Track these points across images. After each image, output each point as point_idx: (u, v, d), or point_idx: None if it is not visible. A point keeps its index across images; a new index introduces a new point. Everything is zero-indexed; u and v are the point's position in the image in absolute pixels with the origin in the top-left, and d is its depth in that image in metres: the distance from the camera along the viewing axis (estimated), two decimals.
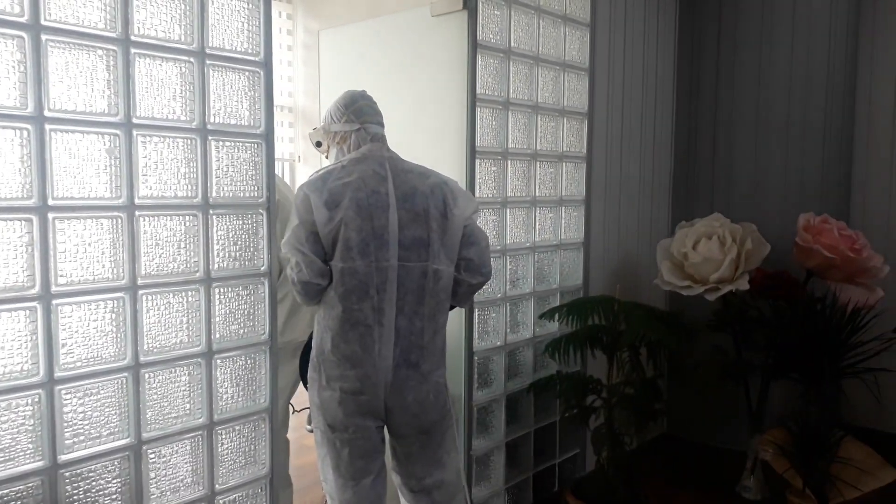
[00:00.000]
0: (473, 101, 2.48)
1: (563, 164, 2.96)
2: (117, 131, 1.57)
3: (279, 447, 2.03)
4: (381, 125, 2.05)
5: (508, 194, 2.69)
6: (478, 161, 2.53)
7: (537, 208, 2.84)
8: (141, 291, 1.63)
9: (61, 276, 1.49)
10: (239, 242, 1.83)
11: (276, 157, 1.92)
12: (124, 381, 1.61)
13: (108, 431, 1.60)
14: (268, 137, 1.86)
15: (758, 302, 2.88)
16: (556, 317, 2.58)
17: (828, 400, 2.76)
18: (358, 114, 2.00)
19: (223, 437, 1.82)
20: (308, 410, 2.02)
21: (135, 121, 1.60)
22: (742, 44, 3.44)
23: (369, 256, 1.79)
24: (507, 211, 2.69)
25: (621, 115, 3.28)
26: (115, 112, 1.57)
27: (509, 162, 2.68)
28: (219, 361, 1.80)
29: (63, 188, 1.49)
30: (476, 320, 2.58)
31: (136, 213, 1.61)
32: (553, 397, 2.76)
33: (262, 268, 1.88)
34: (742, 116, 3.46)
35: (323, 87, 3.00)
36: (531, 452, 2.88)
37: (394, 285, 1.82)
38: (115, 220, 1.58)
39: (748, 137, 3.44)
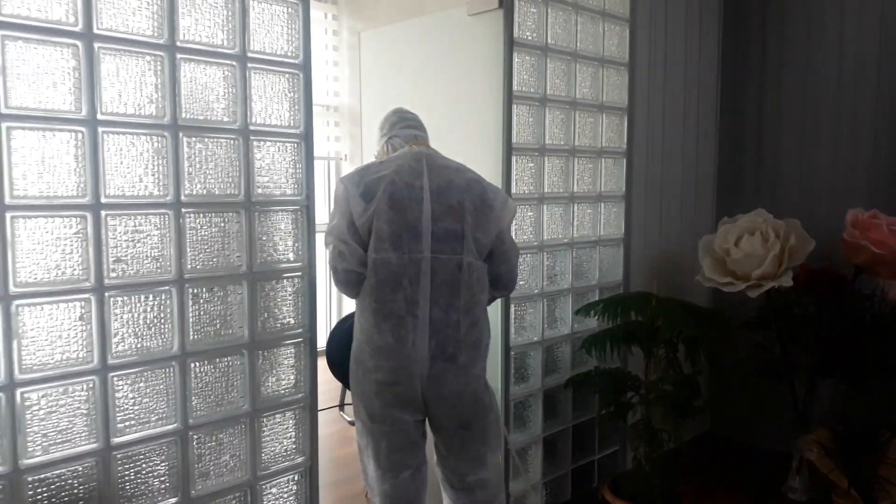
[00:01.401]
0: (510, 98, 2.50)
1: (602, 159, 2.95)
2: (165, 133, 1.66)
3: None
4: (415, 128, 2.12)
5: (546, 190, 2.70)
6: (514, 157, 2.55)
7: (575, 204, 2.84)
8: (187, 285, 1.71)
9: (112, 271, 1.59)
10: (279, 239, 1.90)
11: (322, 155, 2.00)
12: (171, 371, 1.70)
13: (156, 417, 1.69)
14: (307, 137, 1.93)
15: (803, 299, 2.82)
16: (593, 313, 2.58)
17: (875, 399, 2.68)
18: (388, 127, 2.14)
19: (265, 424, 1.90)
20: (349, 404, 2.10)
21: (180, 122, 1.68)
22: (789, 37, 3.36)
23: (402, 248, 1.84)
24: (545, 207, 2.70)
25: (663, 109, 3.25)
26: (162, 114, 1.65)
27: (546, 158, 2.69)
28: (261, 353, 1.87)
29: (114, 186, 1.58)
30: (512, 316, 2.61)
31: (183, 210, 1.69)
32: (590, 393, 2.76)
33: (301, 263, 1.94)
34: (789, 111, 3.39)
35: (364, 87, 3.06)
36: (569, 448, 2.89)
37: (427, 277, 1.86)
38: (162, 217, 1.67)
39: (795, 132, 3.37)
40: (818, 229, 2.86)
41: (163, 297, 1.68)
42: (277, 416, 1.92)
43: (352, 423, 2.03)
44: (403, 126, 2.11)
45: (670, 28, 3.27)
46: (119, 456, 1.62)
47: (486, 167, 2.53)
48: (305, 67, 1.91)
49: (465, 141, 2.59)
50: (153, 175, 1.65)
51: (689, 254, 3.35)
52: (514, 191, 2.55)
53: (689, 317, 2.38)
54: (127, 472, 1.65)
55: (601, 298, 2.77)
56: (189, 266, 1.72)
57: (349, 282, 1.89)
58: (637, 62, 3.06)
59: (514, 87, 2.52)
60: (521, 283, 2.63)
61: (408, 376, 1.86)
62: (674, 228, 3.39)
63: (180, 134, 1.68)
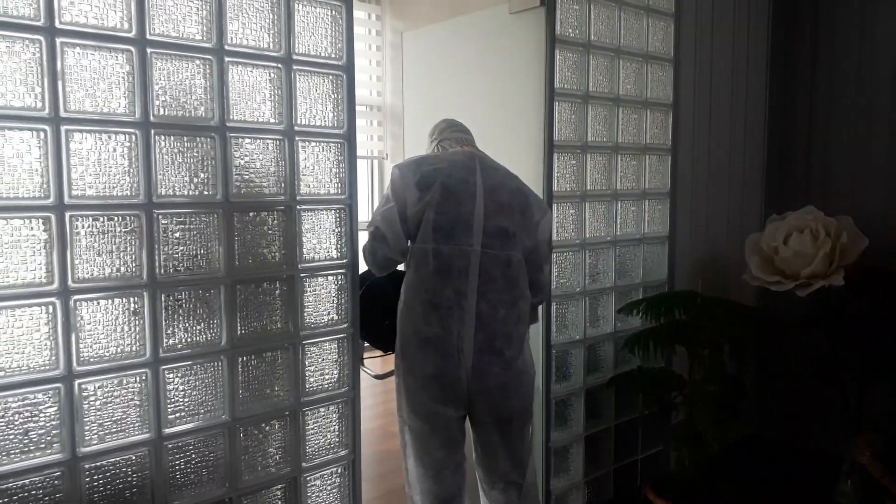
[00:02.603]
0: (552, 95, 2.49)
1: (647, 156, 2.92)
2: (213, 134, 1.71)
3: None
4: (465, 133, 2.16)
5: (588, 188, 2.69)
6: (556, 155, 2.54)
7: (619, 202, 2.82)
8: (238, 286, 1.76)
9: (163, 268, 1.65)
10: (324, 237, 1.94)
11: (364, 154, 2.04)
12: (219, 364, 1.76)
13: (205, 409, 1.74)
14: (350, 137, 1.96)
15: (855, 298, 2.74)
16: (636, 312, 2.56)
17: None
18: (438, 133, 2.19)
19: (309, 417, 1.94)
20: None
21: (229, 124, 1.73)
22: (841, 29, 3.26)
23: (454, 240, 1.87)
24: (587, 204, 2.69)
25: (709, 105, 3.19)
26: (210, 116, 1.70)
27: (589, 155, 2.68)
28: (306, 347, 1.91)
29: (165, 187, 1.64)
30: (554, 314, 2.60)
31: (231, 209, 1.74)
32: (633, 393, 2.73)
33: (346, 260, 1.98)
34: (841, 105, 3.29)
35: (407, 87, 3.09)
36: (612, 447, 2.87)
37: (476, 271, 1.88)
38: (211, 216, 1.72)
39: (848, 127, 3.27)
40: (871, 227, 2.77)
41: (212, 294, 1.73)
42: (321, 409, 1.96)
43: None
44: (454, 131, 2.15)
45: (717, 23, 3.21)
46: (170, 446, 1.68)
47: (528, 165, 2.53)
48: (349, 69, 1.94)
49: (507, 138, 2.60)
50: (203, 174, 1.70)
51: (736, 252, 3.29)
52: (555, 188, 2.55)
53: (734, 316, 2.34)
54: (177, 462, 1.70)
55: (644, 297, 2.75)
56: (237, 264, 1.77)
57: (383, 267, 1.94)
58: (682, 58, 3.01)
59: (556, 85, 2.51)
60: (562, 280, 2.63)
61: (453, 368, 1.88)
62: (720, 227, 3.32)
63: (228, 135, 1.73)
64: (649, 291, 2.95)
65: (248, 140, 1.77)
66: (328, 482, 2.00)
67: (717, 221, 3.31)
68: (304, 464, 1.93)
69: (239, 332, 1.78)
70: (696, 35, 3.10)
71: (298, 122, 1.86)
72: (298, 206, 1.87)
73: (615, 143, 2.77)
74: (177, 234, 1.67)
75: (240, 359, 1.79)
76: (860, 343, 2.71)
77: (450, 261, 1.87)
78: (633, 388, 2.62)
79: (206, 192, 1.71)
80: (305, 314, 1.91)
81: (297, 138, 1.85)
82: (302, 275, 1.89)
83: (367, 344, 2.24)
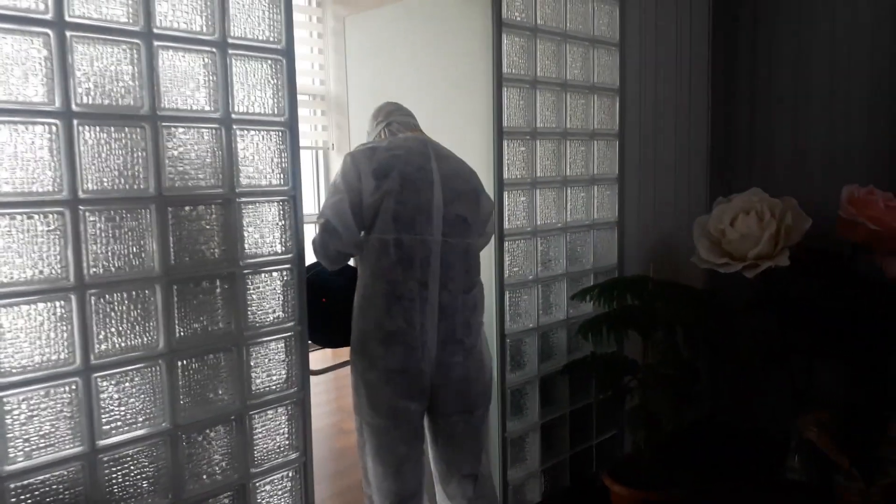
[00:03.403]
0: (500, 80, 2.44)
1: (595, 142, 2.91)
2: (144, 124, 1.59)
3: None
4: (412, 117, 2.09)
5: (538, 174, 2.65)
6: (506, 142, 2.50)
7: (568, 188, 2.80)
8: (176, 285, 1.66)
9: (93, 268, 1.53)
10: (266, 231, 1.84)
11: (308, 145, 1.95)
12: (157, 370, 1.65)
13: (143, 417, 1.63)
14: (292, 125, 1.87)
15: (801, 279, 2.78)
16: (588, 298, 2.54)
17: (876, 379, 2.66)
18: (385, 115, 2.10)
19: (256, 421, 1.85)
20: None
21: (160, 112, 1.62)
22: (781, 12, 3.31)
23: (415, 230, 1.81)
24: (537, 191, 2.66)
25: (654, 90, 3.19)
26: (140, 105, 1.59)
27: (538, 142, 2.64)
28: (251, 348, 1.82)
29: (92, 181, 1.52)
30: (507, 303, 2.57)
31: (164, 204, 1.63)
32: (587, 379, 2.73)
33: (291, 255, 1.89)
34: (781, 89, 3.34)
35: (350, 74, 2.99)
36: (567, 434, 2.86)
37: (437, 260, 1.83)
38: (144, 212, 1.61)
39: (788, 110, 3.32)
40: (814, 208, 2.82)
41: (147, 294, 1.62)
42: (269, 412, 1.87)
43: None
44: (401, 115, 2.08)
45: (660, 7, 3.21)
46: (106, 459, 1.57)
47: (478, 152, 2.48)
48: (288, 53, 1.85)
49: (456, 126, 2.54)
50: (133, 167, 1.59)
51: (685, 236, 3.31)
52: (505, 175, 2.51)
53: (686, 300, 2.34)
54: (115, 475, 1.60)
55: (596, 283, 2.73)
56: (173, 262, 1.66)
57: (334, 260, 1.87)
58: (627, 42, 3.00)
59: (504, 70, 2.46)
60: (514, 269, 2.59)
61: (417, 361, 1.83)
62: (668, 210, 3.33)
63: (159, 124, 1.62)
64: (600, 277, 2.95)
65: (181, 129, 1.66)
66: (279, 487, 1.91)
67: (665, 205, 3.32)
68: (252, 469, 1.84)
69: (178, 335, 1.68)
70: (641, 19, 3.09)
71: (236, 109, 1.76)
72: (238, 199, 1.77)
73: (564, 129, 2.75)
74: (106, 232, 1.55)
75: (179, 363, 1.69)
76: (806, 324, 2.76)
77: (411, 251, 1.81)
78: (588, 373, 2.61)
79: (136, 186, 1.60)
80: (249, 313, 1.81)
81: (234, 127, 1.75)
82: (244, 271, 1.79)
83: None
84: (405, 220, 1.81)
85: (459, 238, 1.87)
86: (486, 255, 2.48)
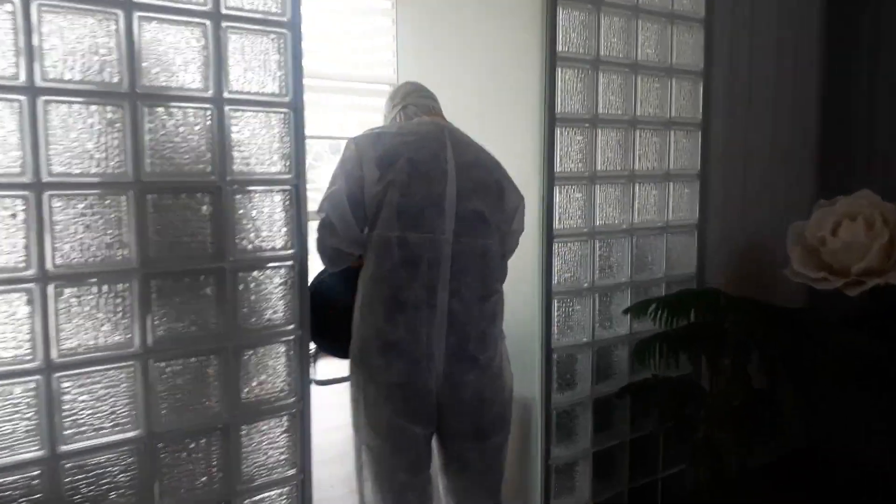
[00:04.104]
0: (553, 59, 2.15)
1: (672, 132, 2.54)
2: (122, 102, 1.45)
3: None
4: (432, 99, 1.84)
5: (598, 168, 2.33)
6: (558, 129, 2.20)
7: (637, 184, 2.46)
8: (155, 280, 1.51)
9: (58, 257, 1.40)
10: (263, 224, 1.66)
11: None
12: (132, 371, 1.51)
13: (112, 423, 1.50)
14: (296, 107, 1.68)
15: None
16: (647, 312, 2.20)
17: None
18: (402, 96, 1.86)
19: (246, 433, 1.68)
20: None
21: (140, 90, 1.47)
22: None
23: (423, 227, 1.58)
24: (597, 187, 2.34)
25: (749, 72, 2.77)
26: (117, 81, 1.44)
27: (600, 130, 2.32)
28: (243, 352, 1.65)
29: (59, 163, 1.39)
30: (555, 313, 2.27)
31: (143, 191, 1.48)
32: (648, 405, 2.38)
33: (292, 251, 1.70)
34: None
35: (401, 58, 2.78)
36: (626, 465, 2.53)
37: (447, 263, 1.59)
38: (118, 198, 1.47)
39: None
40: None
41: (121, 289, 1.48)
42: (262, 423, 1.70)
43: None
44: (419, 96, 1.84)
45: None
46: (69, 466, 1.45)
47: (524, 141, 2.21)
48: (294, 26, 1.66)
49: (503, 111, 2.27)
50: (109, 149, 1.45)
51: (781, 244, 2.87)
52: (558, 168, 2.21)
53: (765, 319, 1.96)
54: (79, 484, 1.47)
55: (658, 296, 2.37)
56: (153, 255, 1.51)
57: (334, 260, 1.67)
58: (717, 17, 2.60)
59: (560, 48, 2.17)
60: (566, 274, 2.29)
61: (422, 376, 1.60)
62: (762, 213, 2.90)
63: (139, 104, 1.47)
64: (674, 288, 2.58)
65: (163, 109, 1.50)
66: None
67: (758, 207, 2.89)
68: (238, 486, 1.67)
69: (156, 334, 1.53)
70: None
71: (230, 88, 1.58)
72: (230, 188, 1.60)
73: (633, 116, 2.41)
74: (76, 219, 1.42)
75: (157, 364, 1.54)
76: None
77: (418, 251, 1.58)
78: (648, 399, 2.27)
79: (112, 171, 1.45)
80: (241, 314, 1.64)
81: (227, 107, 1.58)
82: (235, 268, 1.62)
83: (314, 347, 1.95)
84: (411, 216, 1.57)
85: (475, 238, 1.61)
86: (530, 258, 2.21)
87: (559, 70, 2.18)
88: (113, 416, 1.49)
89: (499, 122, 2.24)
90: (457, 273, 1.59)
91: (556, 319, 2.28)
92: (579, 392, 2.37)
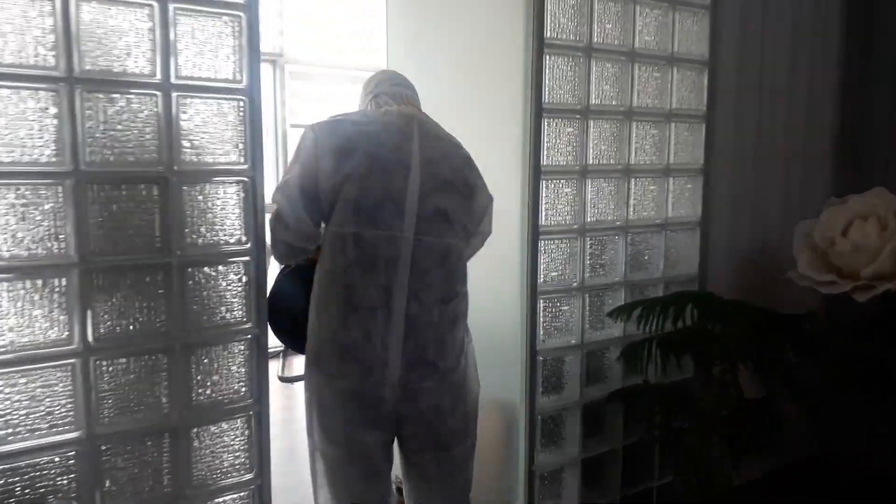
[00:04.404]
0: (540, 46, 2.03)
1: (672, 124, 2.40)
2: (57, 86, 1.37)
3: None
4: (406, 88, 1.73)
5: (590, 161, 2.21)
6: (546, 120, 2.08)
7: (633, 179, 2.32)
8: (97, 274, 1.44)
9: None
10: (216, 217, 1.58)
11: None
12: (70, 370, 1.44)
13: (47, 424, 1.43)
14: (252, 94, 1.59)
15: None
16: (633, 316, 2.07)
17: None
18: (374, 84, 1.75)
19: (197, 435, 1.61)
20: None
21: (78, 74, 1.39)
22: None
23: (380, 224, 1.47)
24: (588, 182, 2.21)
25: (760, 60, 2.60)
26: (52, 64, 1.37)
27: (592, 122, 2.19)
28: (194, 351, 1.58)
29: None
30: (541, 313, 2.16)
31: (83, 181, 1.41)
32: (638, 412, 2.25)
33: (247, 246, 1.62)
34: None
35: (390, 43, 2.67)
36: (619, 473, 2.40)
37: (406, 263, 1.49)
38: (55, 189, 1.39)
39: None
40: None
41: (57, 284, 1.41)
42: (214, 426, 1.62)
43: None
44: (392, 84, 1.73)
45: None
46: (1, 468, 1.39)
47: (508, 132, 2.09)
48: (250, 8, 1.57)
49: (485, 100, 2.16)
50: (42, 139, 1.38)
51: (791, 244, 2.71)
52: (545, 161, 2.09)
53: (762, 324, 1.82)
54: (13, 486, 1.41)
55: (643, 298, 2.23)
56: (94, 248, 1.44)
57: (284, 256, 1.58)
58: (724, 3, 2.44)
59: (548, 34, 2.05)
60: (552, 273, 2.18)
61: (376, 384, 1.50)
62: (771, 212, 2.74)
63: (76, 88, 1.39)
64: (673, 289, 2.44)
65: (104, 95, 1.43)
66: None
67: (768, 206, 2.73)
68: (188, 490, 1.60)
69: (98, 332, 1.46)
70: None
71: (179, 73, 1.50)
72: (177, 179, 1.52)
73: (629, 107, 2.27)
74: (5, 210, 1.35)
75: (100, 363, 1.47)
76: None
77: (374, 250, 1.48)
78: (637, 406, 2.15)
79: (46, 159, 1.38)
80: (192, 311, 1.57)
81: (175, 94, 1.50)
82: (184, 263, 1.54)
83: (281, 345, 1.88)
84: (368, 212, 1.47)
85: (437, 237, 1.50)
86: (514, 256, 2.10)
87: (547, 57, 2.06)
88: (49, 418, 1.43)
89: (482, 112, 2.13)
90: (417, 274, 1.48)
91: (541, 320, 2.16)
92: (567, 396, 2.26)
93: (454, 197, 1.54)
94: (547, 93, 2.07)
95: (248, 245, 1.62)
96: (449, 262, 1.52)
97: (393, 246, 1.47)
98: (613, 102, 2.24)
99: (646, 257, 2.41)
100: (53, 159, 1.38)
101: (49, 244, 1.40)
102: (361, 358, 1.48)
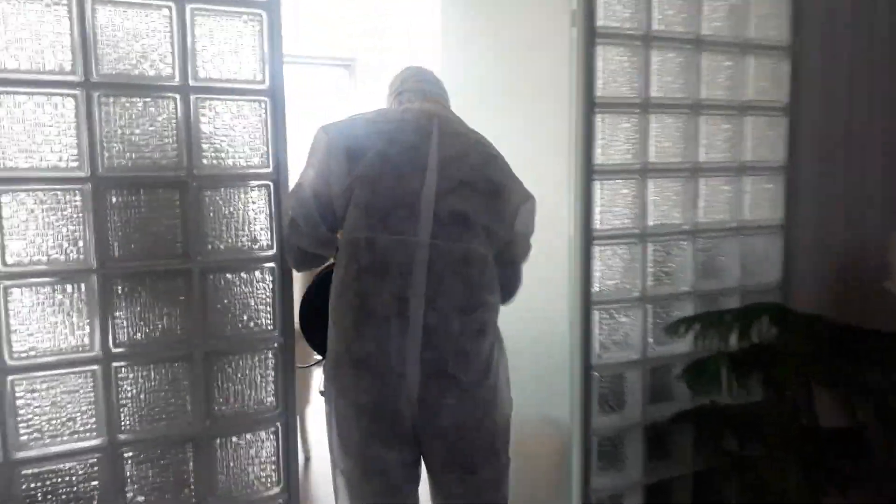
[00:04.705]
0: (591, 35, 1.88)
1: (748, 117, 2.17)
2: (75, 91, 1.37)
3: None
4: (432, 84, 1.64)
5: (651, 159, 2.03)
6: (599, 116, 1.92)
7: (702, 178, 2.12)
8: (118, 280, 1.43)
9: (10, 257, 1.35)
10: (239, 222, 1.54)
11: None
12: (90, 376, 1.43)
13: (69, 431, 1.43)
14: (275, 94, 1.55)
15: None
16: (687, 330, 1.86)
17: None
18: (400, 82, 1.67)
19: (221, 446, 1.56)
20: None
21: (95, 79, 1.38)
22: None
23: (394, 228, 1.38)
24: (650, 182, 2.03)
25: (852, 45, 2.32)
26: (69, 69, 1.36)
27: (653, 116, 2.02)
28: (216, 359, 1.54)
29: (8, 157, 1.33)
30: (596, 325, 1.99)
31: (102, 188, 1.40)
32: (702, 435, 2.03)
33: (271, 252, 1.57)
34: None
35: (445, 47, 2.58)
36: (688, 501, 2.19)
37: (423, 269, 1.38)
38: (73, 194, 1.39)
39: None
40: None
41: (78, 289, 1.41)
42: (238, 437, 1.58)
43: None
44: (417, 81, 1.64)
45: None
46: (25, 472, 1.39)
47: (556, 129, 1.95)
48: (271, 7, 1.52)
49: (530, 96, 2.03)
50: (61, 145, 1.38)
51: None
52: (599, 160, 1.94)
53: (846, 343, 1.59)
54: (35, 492, 1.41)
55: (707, 311, 2.01)
56: (115, 254, 1.43)
57: (300, 261, 1.52)
58: None
59: (600, 23, 1.90)
60: (609, 281, 2.01)
61: (392, 398, 1.40)
62: (868, 214, 2.43)
63: (93, 93, 1.38)
64: (751, 299, 2.20)
65: (124, 99, 1.41)
66: None
67: (862, 207, 2.41)
68: (210, 500, 1.55)
69: (119, 338, 1.45)
70: None
71: (198, 75, 1.47)
72: (197, 183, 1.49)
73: (696, 99, 2.07)
74: (25, 216, 1.36)
75: (121, 370, 1.45)
76: None
77: (388, 255, 1.38)
78: (705, 429, 1.94)
79: (63, 166, 1.38)
80: (214, 318, 1.53)
81: (194, 96, 1.47)
82: (205, 269, 1.51)
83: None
84: (381, 215, 1.38)
85: (455, 241, 1.39)
86: (563, 263, 1.96)
87: (599, 48, 1.90)
88: (71, 424, 1.42)
89: (528, 107, 2.00)
90: (433, 281, 1.37)
91: (596, 333, 2.00)
92: (627, 416, 2.07)
93: (474, 197, 1.42)
94: (600, 86, 1.91)
95: (273, 251, 1.57)
96: (471, 268, 1.40)
97: (407, 251, 1.37)
98: (678, 95, 2.05)
99: (719, 264, 2.19)
100: (72, 164, 1.38)
101: (68, 250, 1.39)
102: (376, 370, 1.39)
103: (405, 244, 1.37)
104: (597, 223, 1.96)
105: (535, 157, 1.79)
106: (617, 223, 2.00)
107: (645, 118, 2.00)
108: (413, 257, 1.37)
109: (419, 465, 1.51)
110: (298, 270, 1.59)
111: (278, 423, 1.61)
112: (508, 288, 1.55)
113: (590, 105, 1.90)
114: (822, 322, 1.70)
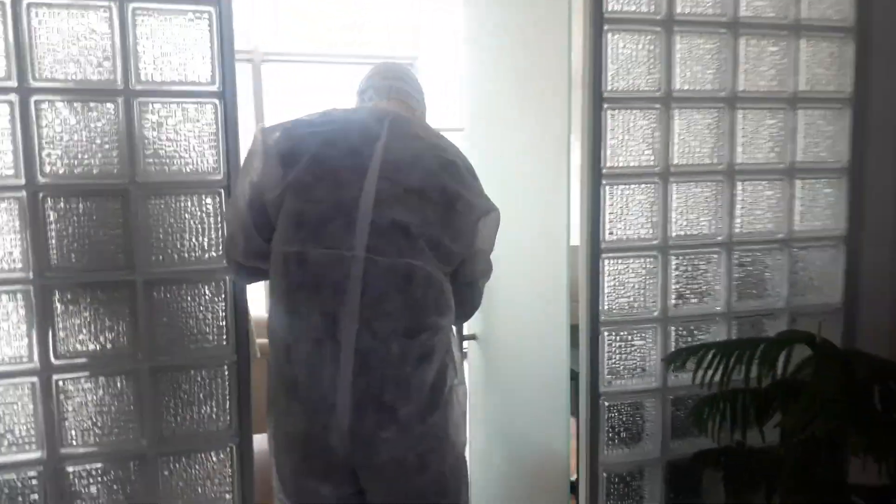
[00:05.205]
0: (598, 19, 1.66)
1: (799, 111, 1.86)
2: (10, 97, 1.33)
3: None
4: (398, 81, 1.47)
5: (675, 161, 1.77)
6: (609, 112, 1.70)
7: (739, 181, 1.84)
8: (57, 291, 1.38)
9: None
10: (186, 231, 1.46)
11: None
12: (27, 389, 1.40)
13: (7, 443, 1.40)
14: (227, 96, 1.45)
15: None
16: (685, 363, 1.59)
17: None
18: (365, 79, 1.50)
19: (166, 464, 1.49)
20: None
21: (34, 84, 1.34)
22: None
23: (326, 241, 1.24)
24: (673, 187, 1.78)
25: None
26: (3, 75, 1.32)
27: (677, 112, 1.76)
28: (160, 375, 1.47)
29: None
30: (605, 348, 1.77)
31: (40, 195, 1.36)
32: (732, 479, 1.75)
33: (221, 265, 1.48)
34: None
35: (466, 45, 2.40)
36: None
37: (357, 286, 1.23)
38: (11, 202, 1.35)
39: None
40: None
41: (13, 301, 1.37)
42: (187, 457, 1.50)
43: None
44: (381, 78, 1.48)
45: None
46: None
47: (558, 126, 1.74)
48: (221, 6, 1.42)
49: (533, 90, 1.82)
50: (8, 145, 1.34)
51: None
52: (609, 162, 1.71)
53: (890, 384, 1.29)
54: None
55: (713, 342, 1.72)
56: (55, 263, 1.38)
57: (238, 275, 1.42)
58: None
59: (610, 6, 1.67)
60: (623, 299, 1.78)
61: (322, 429, 1.26)
62: None
63: (30, 98, 1.34)
64: (803, 322, 1.89)
65: (62, 104, 1.36)
66: None
67: None
68: None
69: (59, 350, 1.40)
70: None
71: (140, 77, 1.40)
72: (139, 191, 1.41)
73: (732, 91, 1.79)
74: None
75: (65, 383, 1.41)
76: None
77: (319, 271, 1.24)
78: (730, 471, 1.67)
79: (4, 173, 1.34)
80: (161, 333, 1.46)
81: (136, 99, 1.40)
82: (150, 281, 1.44)
83: None
84: (313, 226, 1.24)
85: (395, 256, 1.22)
86: (562, 278, 1.75)
87: (609, 34, 1.68)
88: (9, 436, 1.39)
89: (527, 106, 1.80)
90: (369, 300, 1.22)
91: (605, 357, 1.78)
92: (645, 450, 1.83)
93: (421, 208, 1.25)
94: (609, 78, 1.69)
95: (225, 263, 1.48)
96: (413, 287, 1.24)
97: (342, 266, 1.22)
98: (708, 87, 1.78)
99: (759, 280, 1.89)
100: (7, 172, 1.34)
101: (3, 259, 1.36)
102: (306, 398, 1.25)
103: (339, 258, 1.23)
104: (606, 233, 1.73)
105: (534, 157, 1.59)
106: (630, 233, 1.76)
107: (666, 114, 1.75)
108: (347, 273, 1.22)
109: (361, 500, 1.36)
110: (239, 284, 1.48)
111: (231, 445, 1.52)
112: (464, 308, 1.38)
113: (597, 100, 1.68)
114: (861, 357, 1.40)
